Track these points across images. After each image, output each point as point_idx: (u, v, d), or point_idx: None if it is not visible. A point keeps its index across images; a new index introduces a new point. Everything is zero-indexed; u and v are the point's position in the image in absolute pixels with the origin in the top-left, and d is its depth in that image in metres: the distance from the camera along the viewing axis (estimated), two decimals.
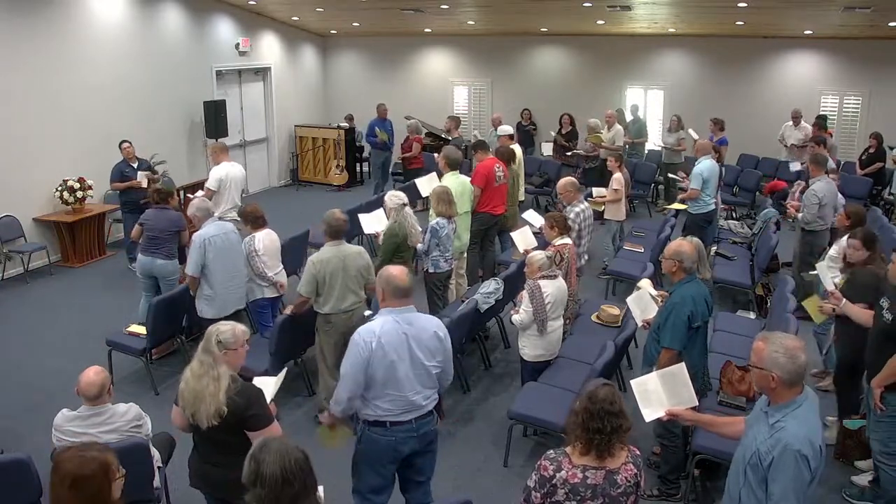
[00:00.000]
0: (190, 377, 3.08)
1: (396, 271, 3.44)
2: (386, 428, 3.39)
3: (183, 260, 6.30)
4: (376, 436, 3.41)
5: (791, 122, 10.62)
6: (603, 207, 8.31)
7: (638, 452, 2.69)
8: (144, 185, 8.15)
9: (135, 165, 8.29)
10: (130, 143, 8.36)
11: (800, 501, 2.60)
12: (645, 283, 4.95)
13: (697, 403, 3.34)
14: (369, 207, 8.57)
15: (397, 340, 3.32)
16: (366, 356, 3.28)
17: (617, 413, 2.54)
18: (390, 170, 11.94)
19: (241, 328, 3.23)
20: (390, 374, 3.31)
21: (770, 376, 2.59)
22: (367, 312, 4.97)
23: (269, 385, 3.54)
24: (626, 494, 2.58)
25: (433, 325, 3.47)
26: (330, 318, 4.90)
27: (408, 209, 5.86)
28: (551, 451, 2.64)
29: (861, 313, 4.31)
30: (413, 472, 3.61)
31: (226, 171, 7.44)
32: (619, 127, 10.93)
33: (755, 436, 2.69)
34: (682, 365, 3.44)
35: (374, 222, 6.81)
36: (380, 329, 3.32)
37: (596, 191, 8.73)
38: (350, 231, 8.09)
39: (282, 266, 6.01)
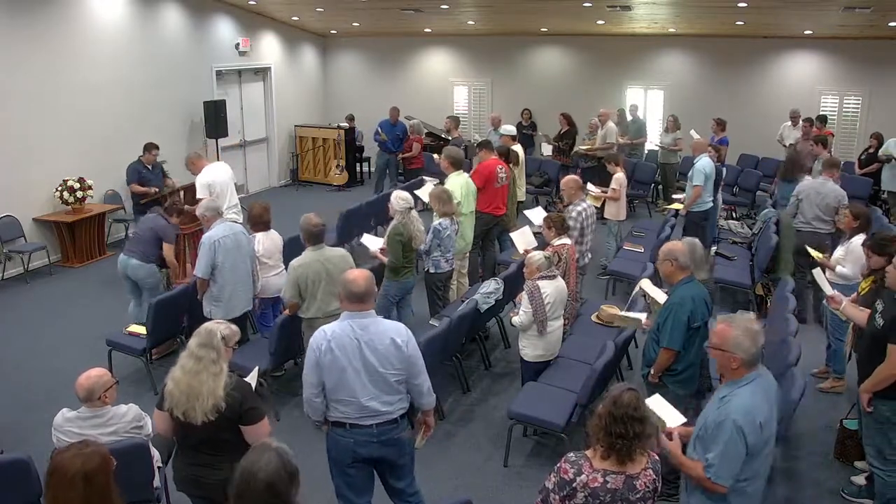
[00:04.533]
0: (181, 376, 3.03)
1: (354, 275, 3.39)
2: (346, 429, 3.39)
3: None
4: (336, 436, 3.43)
5: (790, 123, 10.63)
6: (601, 202, 8.31)
7: (657, 458, 2.68)
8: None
9: (150, 167, 8.28)
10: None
11: (733, 471, 2.74)
12: (645, 284, 4.94)
13: (686, 419, 3.41)
14: (370, 207, 8.58)
15: (349, 345, 3.30)
16: (315, 359, 3.31)
17: (640, 419, 2.54)
18: (395, 172, 11.71)
19: (234, 327, 3.27)
20: (341, 378, 3.31)
21: (732, 358, 2.81)
22: None
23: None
24: (644, 500, 2.58)
25: (392, 333, 3.37)
26: (313, 322, 4.83)
27: (413, 213, 5.84)
28: (571, 454, 2.63)
29: (861, 316, 4.29)
30: (389, 478, 3.59)
31: (211, 176, 7.24)
32: (611, 125, 10.90)
33: (706, 413, 2.89)
34: (656, 395, 3.57)
35: (374, 242, 6.64)
36: (331, 333, 3.33)
37: (590, 187, 8.75)
38: (350, 233, 8.15)
39: (283, 267, 6.01)
